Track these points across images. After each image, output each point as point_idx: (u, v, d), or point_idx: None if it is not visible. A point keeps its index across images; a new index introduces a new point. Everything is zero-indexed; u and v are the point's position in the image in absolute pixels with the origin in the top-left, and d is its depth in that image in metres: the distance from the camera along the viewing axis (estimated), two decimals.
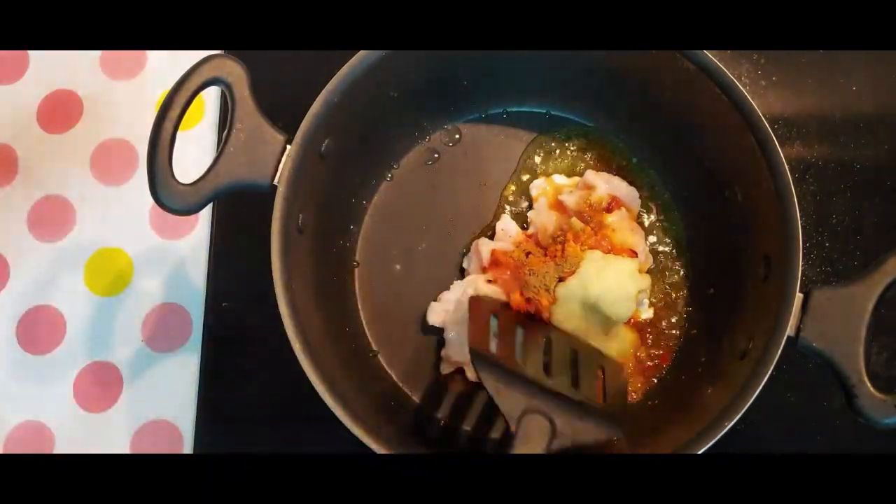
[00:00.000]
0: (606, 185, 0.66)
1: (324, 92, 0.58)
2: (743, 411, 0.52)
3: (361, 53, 0.59)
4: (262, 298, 0.71)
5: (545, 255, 0.64)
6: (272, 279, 0.55)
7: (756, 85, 0.76)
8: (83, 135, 0.77)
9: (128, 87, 0.79)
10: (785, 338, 0.52)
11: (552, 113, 0.72)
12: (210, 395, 0.71)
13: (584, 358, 0.58)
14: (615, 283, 0.60)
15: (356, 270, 0.70)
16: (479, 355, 0.52)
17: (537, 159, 0.72)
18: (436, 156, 0.73)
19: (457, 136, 0.73)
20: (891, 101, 0.75)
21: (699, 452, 0.52)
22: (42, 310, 0.74)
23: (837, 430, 0.68)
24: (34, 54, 0.79)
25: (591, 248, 0.62)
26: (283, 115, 0.58)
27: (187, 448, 0.70)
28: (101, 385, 0.72)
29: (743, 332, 0.58)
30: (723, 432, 0.52)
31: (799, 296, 0.53)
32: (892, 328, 0.67)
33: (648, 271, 0.67)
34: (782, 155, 0.56)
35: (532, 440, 0.48)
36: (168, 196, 0.54)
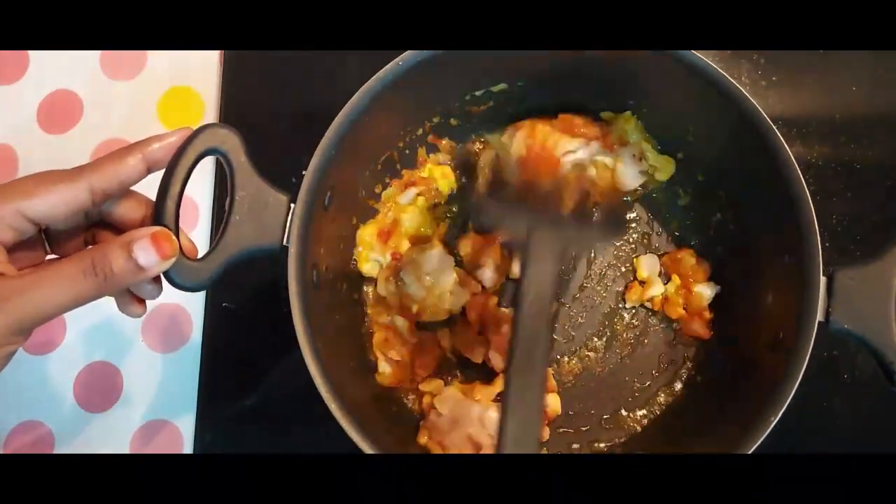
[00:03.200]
0: None
1: (320, 146, 0.56)
2: (787, 403, 0.52)
3: (354, 100, 0.57)
4: (262, 298, 0.73)
5: None
6: (295, 334, 0.53)
7: (756, 85, 0.76)
8: (83, 135, 0.77)
9: (128, 87, 0.78)
10: (816, 324, 0.52)
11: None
12: (210, 395, 0.71)
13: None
14: None
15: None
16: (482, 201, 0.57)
17: None
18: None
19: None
20: (891, 101, 0.75)
21: (750, 451, 0.52)
22: None
23: (837, 430, 0.69)
24: (34, 54, 0.79)
25: None
26: (273, 173, 0.55)
27: (187, 448, 0.70)
28: (101, 385, 0.72)
29: (772, 325, 0.58)
30: (770, 427, 0.52)
31: (823, 279, 0.53)
32: None
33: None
34: (781, 136, 0.55)
35: (544, 255, 0.49)
36: (179, 274, 0.51)
